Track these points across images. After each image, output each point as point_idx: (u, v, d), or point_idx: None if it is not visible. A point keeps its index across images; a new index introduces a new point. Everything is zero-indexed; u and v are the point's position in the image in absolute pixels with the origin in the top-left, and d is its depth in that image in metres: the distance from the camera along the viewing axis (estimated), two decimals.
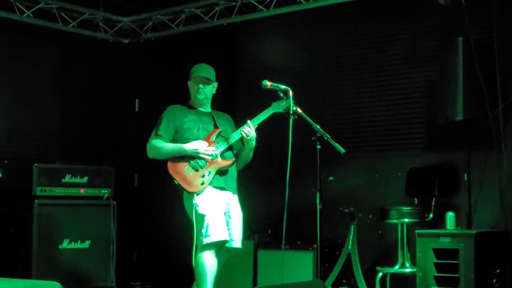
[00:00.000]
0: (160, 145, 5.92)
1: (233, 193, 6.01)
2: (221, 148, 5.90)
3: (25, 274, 7.43)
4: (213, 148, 5.84)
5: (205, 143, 5.86)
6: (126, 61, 9.55)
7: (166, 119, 6.02)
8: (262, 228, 7.89)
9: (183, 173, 5.82)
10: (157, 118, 6.09)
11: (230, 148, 5.99)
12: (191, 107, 6.13)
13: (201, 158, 5.81)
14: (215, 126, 6.04)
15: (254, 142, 5.97)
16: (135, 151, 9.27)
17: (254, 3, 8.43)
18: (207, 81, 6.06)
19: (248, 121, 5.93)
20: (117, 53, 9.53)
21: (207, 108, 6.17)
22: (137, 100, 9.63)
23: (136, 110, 9.64)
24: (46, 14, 8.70)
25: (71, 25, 8.94)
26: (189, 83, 6.14)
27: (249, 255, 7.60)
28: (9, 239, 7.79)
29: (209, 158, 5.80)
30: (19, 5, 8.37)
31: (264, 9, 8.39)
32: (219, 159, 5.88)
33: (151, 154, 6.04)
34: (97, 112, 9.14)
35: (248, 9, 8.55)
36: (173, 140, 5.97)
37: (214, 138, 5.94)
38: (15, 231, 7.77)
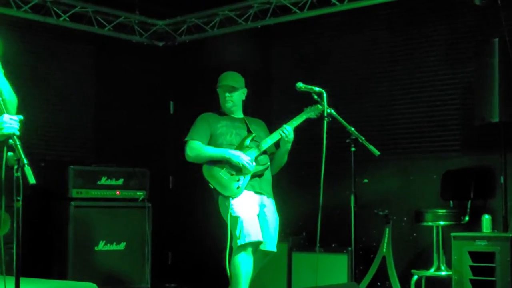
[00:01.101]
0: (201, 148, 5.95)
1: (268, 197, 6.01)
2: (255, 153, 5.92)
3: (61, 275, 7.50)
4: (250, 162, 5.85)
5: (248, 157, 5.87)
6: (161, 64, 9.61)
7: (201, 124, 6.08)
8: (296, 230, 7.88)
9: (218, 177, 5.86)
10: (192, 121, 6.12)
11: (264, 152, 6.00)
12: (223, 114, 6.18)
13: (238, 166, 5.81)
14: (248, 131, 6.06)
15: (290, 145, 5.97)
16: (170, 153, 9.35)
17: (288, 5, 8.42)
18: (233, 89, 6.10)
19: (285, 125, 5.92)
20: (152, 56, 9.59)
21: (239, 114, 6.21)
22: (171, 102, 9.67)
23: (171, 112, 9.68)
24: (82, 17, 8.79)
25: (106, 28, 9.02)
26: (218, 91, 6.19)
27: (283, 258, 7.58)
28: (46, 240, 7.87)
29: (246, 169, 5.81)
30: (55, 9, 8.46)
31: (298, 11, 8.38)
32: (254, 163, 5.89)
33: (190, 157, 6.03)
34: (132, 115, 9.19)
35: (282, 11, 8.54)
36: (208, 144, 6.01)
37: (248, 143, 5.95)
38: (52, 232, 7.84)
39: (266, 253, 5.94)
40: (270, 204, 6.00)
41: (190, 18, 9.31)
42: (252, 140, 5.99)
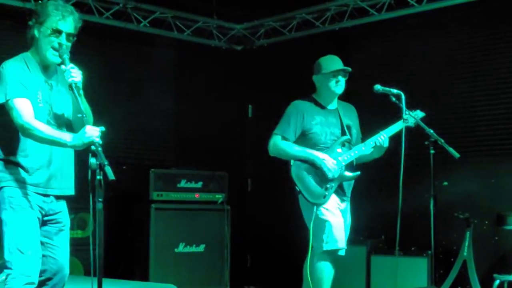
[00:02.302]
0: (287, 147, 5.73)
1: (348, 202, 5.93)
2: (347, 159, 5.72)
3: (143, 276, 7.64)
4: (335, 167, 5.67)
5: (333, 161, 5.68)
6: (239, 67, 9.68)
7: (294, 119, 5.79)
8: (375, 233, 7.82)
9: (306, 180, 5.70)
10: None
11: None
12: (317, 104, 5.89)
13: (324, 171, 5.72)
14: (342, 129, 5.84)
15: (383, 151, 5.82)
16: (249, 156, 9.40)
17: (366, 7, 8.38)
18: (346, 74, 5.86)
19: (382, 132, 5.74)
20: (230, 59, 9.67)
21: (334, 104, 5.92)
22: (250, 106, 9.73)
23: (249, 116, 9.73)
24: (162, 23, 8.93)
25: (185, 33, 9.14)
26: (318, 77, 5.87)
27: (362, 261, 7.54)
28: (128, 242, 8.02)
29: (330, 173, 5.68)
30: (136, 15, 8.62)
31: (376, 13, 8.32)
32: (345, 172, 5.76)
33: (274, 153, 5.83)
34: (211, 118, 9.28)
35: (360, 14, 8.50)
36: (298, 141, 5.78)
37: (340, 147, 5.81)
38: (133, 234, 7.99)
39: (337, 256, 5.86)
40: (347, 208, 5.93)
41: (267, 21, 9.35)
42: (345, 143, 5.83)
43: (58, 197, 4.18)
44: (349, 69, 5.86)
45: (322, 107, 5.88)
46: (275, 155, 5.84)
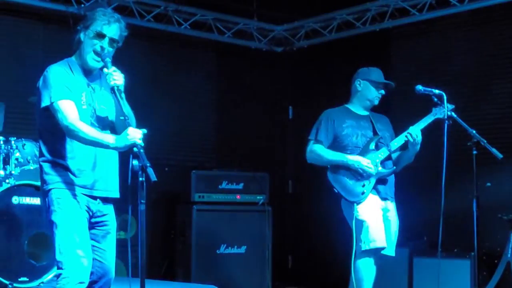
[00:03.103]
0: (321, 152, 5.86)
1: (391, 201, 5.94)
2: (381, 156, 5.81)
3: (185, 277, 7.68)
4: (371, 166, 5.73)
5: (367, 161, 5.75)
6: (279, 69, 9.70)
7: (325, 124, 5.93)
8: (417, 235, 7.77)
9: (343, 181, 5.79)
10: (311, 125, 6.09)
11: (389, 156, 5.90)
12: (349, 111, 6.01)
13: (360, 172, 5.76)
14: (374, 132, 5.96)
15: (418, 147, 5.84)
16: (289, 157, 9.41)
17: (407, 7, 8.33)
18: (386, 87, 5.96)
19: (412, 128, 5.81)
20: (271, 61, 9.68)
21: (366, 112, 6.03)
22: (290, 107, 9.74)
23: (290, 117, 9.74)
24: (203, 25, 8.98)
25: (226, 35, 9.18)
26: (362, 83, 5.96)
27: (404, 263, 7.49)
28: (170, 243, 8.08)
29: (369, 173, 5.74)
30: (177, 17, 8.68)
31: (417, 13, 8.28)
32: (379, 167, 5.82)
33: (310, 159, 5.98)
34: (252, 120, 9.31)
35: (401, 14, 8.46)
36: (332, 146, 5.91)
37: (373, 146, 5.85)
38: (176, 235, 8.04)
39: (382, 256, 5.87)
40: (392, 209, 5.93)
41: (307, 22, 9.35)
42: (377, 142, 5.89)
43: (104, 200, 4.21)
44: (393, 84, 5.97)
45: (354, 113, 6.00)
46: (312, 161, 5.98)
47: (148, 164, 3.72)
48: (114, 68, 4.08)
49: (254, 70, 9.47)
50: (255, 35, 9.51)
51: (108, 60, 4.11)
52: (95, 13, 4.19)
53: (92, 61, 4.16)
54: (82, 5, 7.78)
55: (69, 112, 3.99)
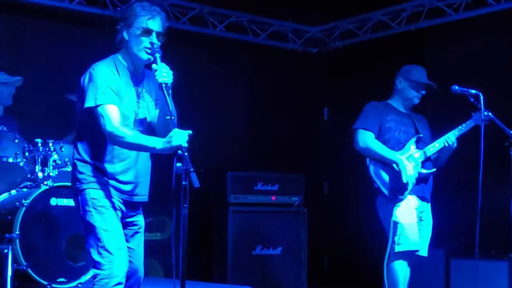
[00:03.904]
0: (374, 143, 5.72)
1: (427, 202, 5.90)
2: (421, 158, 5.77)
3: (221, 278, 7.71)
4: (412, 173, 5.67)
5: (411, 166, 5.69)
6: (314, 70, 9.69)
7: (372, 113, 5.84)
8: (454, 236, 7.71)
9: (384, 177, 5.75)
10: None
11: (428, 158, 5.87)
12: (391, 106, 5.94)
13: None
14: (416, 130, 5.89)
15: (451, 151, 5.81)
16: (324, 159, 9.40)
17: (442, 7, 8.28)
18: (430, 90, 5.91)
19: (449, 134, 5.76)
20: (306, 62, 9.68)
21: (408, 110, 5.98)
22: (326, 108, 9.73)
23: (325, 118, 9.73)
24: (237, 27, 9.00)
25: (261, 36, 9.20)
26: (401, 81, 5.90)
27: (441, 264, 7.45)
28: (206, 244, 8.11)
29: (408, 176, 5.66)
30: (212, 19, 8.72)
31: (453, 13, 8.22)
32: (420, 168, 5.77)
33: (361, 148, 5.79)
34: (287, 121, 9.31)
35: (436, 14, 8.41)
36: (376, 137, 5.80)
37: (414, 144, 5.81)
38: (212, 236, 8.07)
39: (416, 257, 5.83)
40: (428, 209, 5.90)
41: (342, 23, 9.33)
42: (418, 141, 5.85)
43: (136, 202, 4.23)
44: (435, 86, 5.89)
45: (396, 109, 5.93)
46: (362, 151, 5.83)
47: (192, 169, 3.67)
48: (164, 64, 4.02)
49: (289, 71, 9.47)
50: (290, 36, 9.51)
51: (158, 55, 4.04)
52: (134, 9, 4.12)
53: (145, 55, 4.09)
54: (118, 8, 7.85)
55: (112, 117, 3.92)
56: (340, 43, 9.51)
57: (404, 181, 5.64)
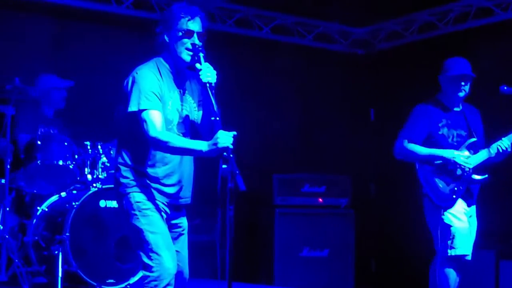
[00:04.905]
0: (414, 148, 5.62)
1: (474, 205, 5.81)
2: (476, 162, 5.62)
3: (268, 280, 7.72)
4: (467, 162, 5.56)
5: (463, 155, 5.59)
6: (361, 71, 9.65)
7: (421, 121, 5.70)
8: (504, 238, 7.62)
9: (434, 184, 5.64)
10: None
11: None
12: (442, 106, 5.78)
13: (454, 168, 5.62)
14: (469, 131, 5.74)
15: (505, 156, 5.68)
16: (371, 160, 9.35)
17: (491, 6, 8.17)
18: (469, 79, 5.74)
19: (504, 139, 5.59)
20: (352, 63, 9.65)
21: (459, 106, 5.81)
22: (372, 109, 9.68)
23: (372, 119, 9.69)
24: (283, 29, 9.02)
25: (307, 38, 9.19)
26: (443, 78, 5.78)
27: (491, 266, 7.36)
28: (253, 246, 8.13)
29: (465, 168, 5.55)
30: (258, 22, 8.75)
31: (501, 12, 8.11)
32: (472, 174, 5.64)
33: (400, 155, 5.73)
34: (333, 122, 9.29)
35: (484, 13, 8.31)
36: (425, 143, 5.68)
37: (467, 150, 5.70)
38: (258, 239, 8.09)
39: (464, 261, 5.73)
40: (474, 213, 5.80)
41: (388, 24, 9.28)
42: (471, 145, 5.70)
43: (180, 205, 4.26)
44: (472, 75, 5.73)
45: (447, 109, 5.79)
46: (402, 158, 5.76)
47: (237, 172, 3.68)
48: (207, 64, 4.03)
49: (335, 73, 9.45)
50: (336, 37, 9.49)
51: (201, 55, 4.05)
52: (173, 11, 4.14)
53: (188, 56, 4.09)
54: (164, 11, 7.91)
55: (156, 123, 3.94)
56: (386, 44, 9.44)
57: (457, 173, 5.55)
